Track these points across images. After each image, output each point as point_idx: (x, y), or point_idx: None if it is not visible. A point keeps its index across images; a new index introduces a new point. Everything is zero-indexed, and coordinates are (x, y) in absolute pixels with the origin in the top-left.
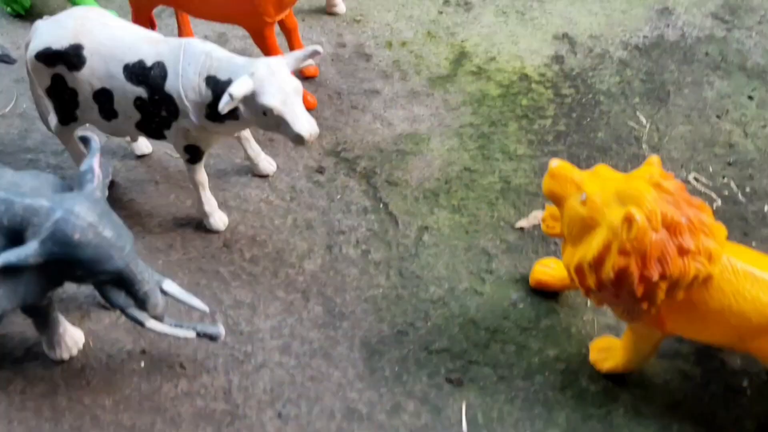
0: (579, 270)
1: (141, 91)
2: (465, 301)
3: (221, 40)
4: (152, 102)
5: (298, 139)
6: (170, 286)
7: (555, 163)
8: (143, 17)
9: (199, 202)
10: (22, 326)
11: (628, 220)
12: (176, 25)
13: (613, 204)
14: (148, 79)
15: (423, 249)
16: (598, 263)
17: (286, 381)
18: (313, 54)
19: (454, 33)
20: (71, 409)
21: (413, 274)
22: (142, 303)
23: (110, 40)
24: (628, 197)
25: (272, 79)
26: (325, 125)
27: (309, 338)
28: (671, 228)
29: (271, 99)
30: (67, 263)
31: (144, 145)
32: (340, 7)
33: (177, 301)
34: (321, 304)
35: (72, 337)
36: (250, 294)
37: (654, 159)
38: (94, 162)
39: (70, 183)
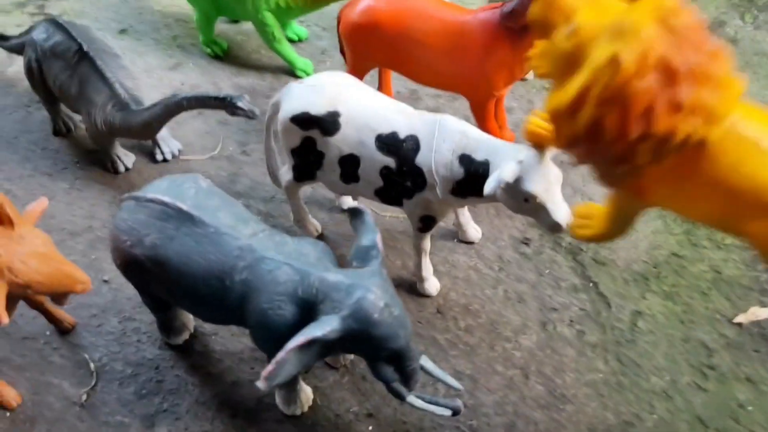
0: (555, 116)
1: (390, 161)
2: (688, 395)
3: (413, 98)
4: (399, 173)
5: (555, 227)
6: (426, 361)
7: None
8: (359, 76)
9: (418, 266)
10: (251, 375)
11: (613, 62)
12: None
13: (603, 39)
14: (400, 150)
15: (639, 335)
16: (573, 110)
17: None
18: None
19: None
20: None
21: (632, 361)
22: (407, 379)
23: (365, 109)
24: (621, 32)
25: (538, 167)
26: None
27: (534, 419)
28: (666, 75)
29: (535, 186)
30: (357, 339)
31: (350, 199)
32: (530, 73)
33: (432, 377)
34: (542, 384)
35: (305, 393)
36: (469, 365)
37: None
38: (377, 238)
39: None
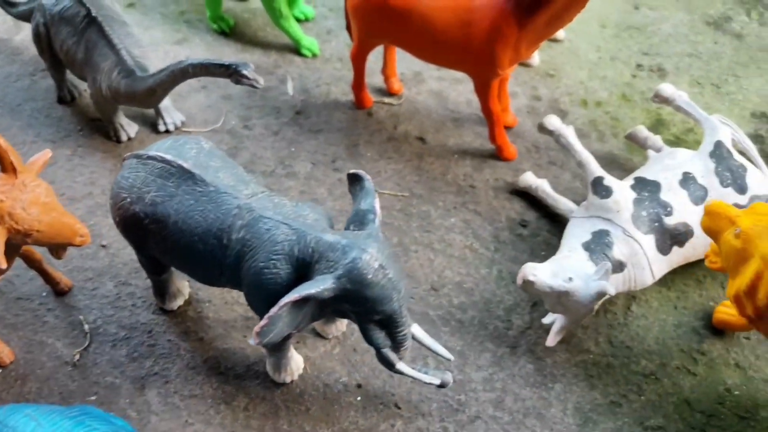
0: (737, 299)
1: None
2: (678, 379)
3: (417, 80)
4: None
5: None
6: (417, 330)
7: (710, 201)
8: (364, 54)
9: None
10: (242, 342)
11: None
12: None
13: (766, 236)
14: None
15: (632, 319)
16: (752, 291)
17: None
18: None
19: (649, 99)
20: None
21: (623, 343)
22: (398, 345)
23: None
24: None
25: None
26: None
27: (521, 396)
28: None
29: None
30: (351, 300)
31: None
32: (535, 59)
33: (422, 346)
34: (531, 362)
35: (296, 362)
36: (460, 342)
37: None
38: (375, 202)
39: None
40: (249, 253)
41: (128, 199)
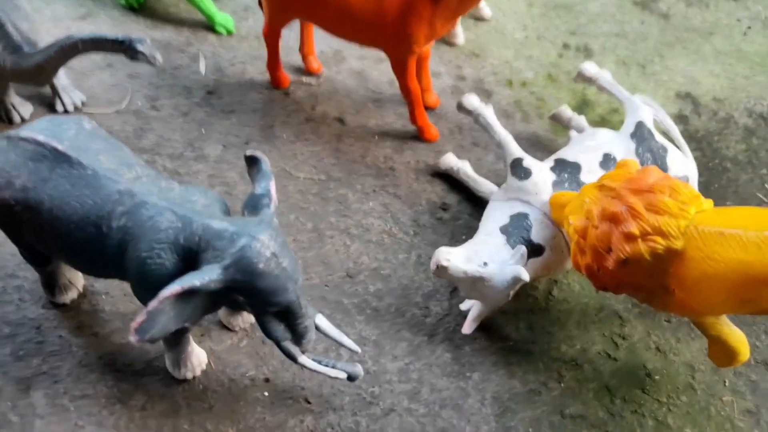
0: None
1: None
2: (598, 365)
3: (337, 58)
4: None
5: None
6: (322, 320)
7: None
8: (276, 30)
9: None
10: None
11: (571, 226)
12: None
13: (575, 211)
14: None
15: (553, 304)
16: (577, 268)
17: (416, 430)
18: None
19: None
20: None
21: (543, 329)
22: (299, 337)
23: None
24: (579, 207)
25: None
26: None
27: (438, 386)
28: (612, 219)
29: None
30: (243, 291)
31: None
32: (460, 38)
33: (327, 337)
34: (449, 351)
35: (197, 356)
36: (375, 331)
37: (623, 162)
38: (270, 186)
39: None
40: (131, 243)
41: None
